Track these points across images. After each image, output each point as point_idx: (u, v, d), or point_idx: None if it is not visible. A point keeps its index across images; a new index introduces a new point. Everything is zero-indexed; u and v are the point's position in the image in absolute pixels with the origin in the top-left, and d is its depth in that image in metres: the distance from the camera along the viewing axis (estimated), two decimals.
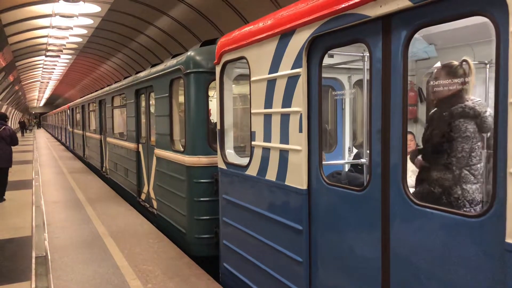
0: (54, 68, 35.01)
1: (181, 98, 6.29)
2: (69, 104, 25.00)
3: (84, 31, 21.77)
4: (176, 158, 6.35)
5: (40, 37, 21.25)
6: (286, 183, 3.51)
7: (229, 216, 4.63)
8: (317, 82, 3.18)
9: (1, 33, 14.58)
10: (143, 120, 8.60)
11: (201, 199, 5.80)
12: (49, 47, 24.33)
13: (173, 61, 6.49)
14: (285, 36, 3.44)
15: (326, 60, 3.21)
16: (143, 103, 8.56)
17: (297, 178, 3.35)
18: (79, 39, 23.78)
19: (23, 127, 47.06)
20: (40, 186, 11.70)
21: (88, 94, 18.08)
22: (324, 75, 3.14)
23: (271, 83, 3.68)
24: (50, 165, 17.60)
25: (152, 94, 7.70)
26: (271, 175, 3.72)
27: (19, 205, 9.38)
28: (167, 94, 6.70)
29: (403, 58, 2.45)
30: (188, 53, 6.06)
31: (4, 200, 9.71)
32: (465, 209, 2.63)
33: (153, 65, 8.13)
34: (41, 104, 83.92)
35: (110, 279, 5.12)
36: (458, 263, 2.12)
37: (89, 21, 19.64)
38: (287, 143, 3.47)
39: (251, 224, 4.14)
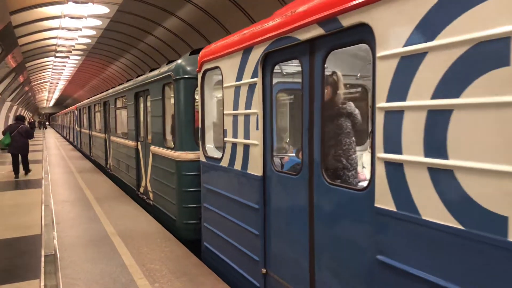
0: (63, 69, 35.30)
1: (172, 101, 7.06)
2: (76, 105, 26.02)
3: (92, 32, 21.93)
4: (167, 154, 7.18)
5: (50, 38, 21.43)
6: (248, 171, 4.33)
7: (208, 202, 5.47)
8: (269, 88, 3.95)
9: (12, 35, 14.75)
10: (141, 120, 9.38)
11: (188, 189, 6.55)
12: (59, 48, 24.53)
13: (165, 68, 7.30)
14: (247, 51, 4.24)
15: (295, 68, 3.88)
16: (141, 105, 9.34)
17: (255, 167, 4.17)
18: (88, 40, 23.94)
19: (32, 127, 47.77)
20: (50, 185, 11.82)
21: (95, 95, 18.67)
22: (297, 80, 3.77)
23: (237, 89, 4.48)
24: (59, 165, 17.77)
25: (149, 97, 8.48)
26: (238, 165, 4.55)
27: (29, 204, 9.49)
28: (160, 97, 7.57)
29: (321, 72, 3.23)
30: (178, 61, 6.91)
31: (30, 170, 13.92)
32: (356, 185, 3.44)
33: (151, 70, 8.86)
34: (51, 104, 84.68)
35: (118, 278, 5.16)
36: (353, 220, 3.00)
37: (97, 22, 19.78)
38: (248, 138, 4.30)
39: (223, 207, 5.00)
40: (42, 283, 4.95)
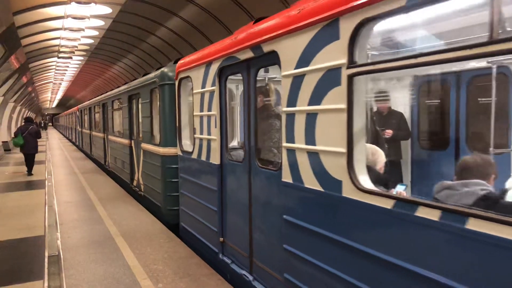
0: (66, 70, 35.32)
1: (158, 103, 7.99)
2: (78, 106, 27.00)
3: (95, 33, 21.93)
4: (154, 150, 8.27)
5: (53, 39, 21.42)
6: (210, 161, 5.39)
7: (184, 188, 6.56)
8: (224, 95, 5.08)
9: (15, 35, 14.78)
10: (134, 120, 10.40)
11: (171, 180, 7.51)
12: (61, 49, 24.53)
13: (153, 74, 8.39)
14: (208, 65, 5.31)
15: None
16: (134, 107, 10.33)
17: (215, 157, 5.21)
18: (91, 41, 23.95)
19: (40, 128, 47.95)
20: (53, 186, 11.84)
21: (96, 97, 19.28)
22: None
23: (202, 95, 5.54)
24: (62, 166, 17.81)
25: (140, 100, 9.51)
26: (204, 156, 5.60)
27: (32, 205, 9.51)
28: (148, 100, 8.62)
29: (254, 84, 4.37)
30: (163, 68, 7.91)
31: (32, 175, 14.26)
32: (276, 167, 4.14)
33: (144, 75, 9.87)
34: (54, 105, 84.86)
35: (121, 279, 5.16)
36: (272, 191, 4.03)
37: (100, 23, 19.77)
38: (210, 135, 5.36)
39: (194, 192, 6.08)
40: (46, 284, 4.96)
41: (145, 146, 9.02)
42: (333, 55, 3.00)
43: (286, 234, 3.73)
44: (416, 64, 2.40)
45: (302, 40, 3.35)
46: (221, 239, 5.21)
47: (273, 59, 3.80)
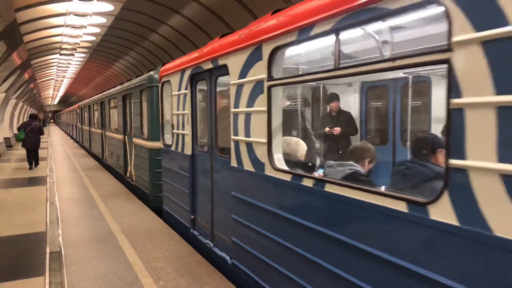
0: (68, 67, 35.34)
1: (146, 103, 9.10)
2: (78, 104, 28.15)
3: (97, 30, 21.92)
4: (143, 143, 9.42)
5: (55, 36, 21.43)
6: (184, 152, 6.43)
7: (165, 176, 7.60)
8: (195, 97, 6.09)
9: (17, 32, 14.78)
10: (127, 117, 11.44)
11: (157, 170, 8.44)
12: (63, 46, 24.53)
13: (142, 77, 9.64)
14: (183, 71, 6.33)
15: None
16: (127, 105, 11.36)
17: (188, 149, 6.25)
18: (93, 38, 23.95)
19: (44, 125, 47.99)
20: (54, 183, 11.86)
21: (95, 95, 20.38)
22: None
23: (178, 96, 6.59)
24: (64, 162, 17.84)
25: (132, 99, 10.60)
26: (179, 148, 6.65)
27: (34, 201, 9.53)
28: (138, 100, 9.74)
29: (215, 90, 5.42)
30: (151, 72, 9.06)
31: (37, 165, 15.30)
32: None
33: (136, 76, 11.05)
34: (56, 102, 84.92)
35: (123, 276, 5.17)
36: (225, 174, 5.04)
37: (102, 20, 19.77)
38: (184, 130, 6.42)
39: (173, 179, 7.14)
40: (47, 280, 4.96)
41: (136, 140, 10.22)
42: (259, 71, 4.06)
43: (233, 207, 4.81)
44: (308, 80, 4.32)
45: (242, 58, 4.40)
46: (192, 216, 6.31)
47: (225, 70, 4.86)
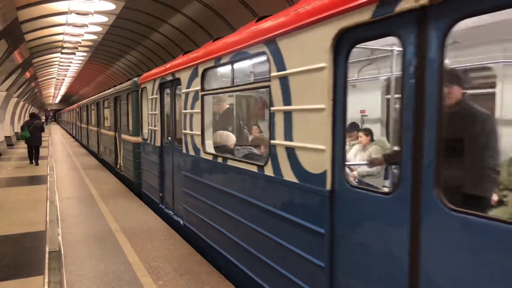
0: (70, 65, 35.31)
1: (131, 104, 10.83)
2: (78, 103, 30.07)
3: (99, 29, 21.90)
4: (128, 138, 11.15)
5: (56, 35, 21.39)
6: (155, 144, 8.19)
7: (144, 165, 9.43)
8: (163, 101, 7.71)
9: (18, 30, 14.76)
10: (118, 117, 12.98)
11: (139, 160, 10.04)
12: (65, 45, 24.50)
13: (129, 82, 11.39)
14: (155, 80, 8.02)
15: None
16: (117, 106, 12.94)
17: (158, 141, 7.99)
18: (94, 37, 23.93)
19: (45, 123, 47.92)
20: (55, 182, 11.85)
21: (93, 95, 21.92)
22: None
23: (152, 100, 8.31)
24: (64, 161, 17.84)
25: (121, 101, 12.26)
26: (152, 141, 8.40)
27: (34, 200, 9.52)
28: (125, 102, 11.50)
29: (174, 96, 7.13)
30: (135, 78, 10.82)
31: (38, 164, 15.87)
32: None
33: (127, 80, 12.68)
34: (57, 101, 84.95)
35: (122, 275, 5.15)
36: (180, 160, 6.70)
37: (104, 19, 19.74)
38: (155, 127, 8.10)
39: (147, 166, 8.98)
40: (46, 279, 4.95)
41: (123, 136, 11.97)
42: (197, 84, 5.74)
43: (184, 182, 6.53)
44: (219, 92, 5.85)
45: (188, 74, 6.09)
46: (161, 194, 8.10)
47: (179, 82, 6.56)
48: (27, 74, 24.26)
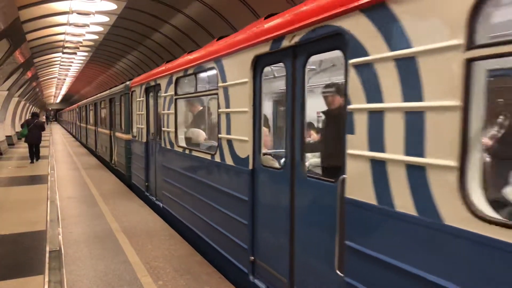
0: (71, 65, 35.33)
1: (124, 105, 12.09)
2: (78, 103, 31.69)
3: (100, 29, 21.91)
4: (121, 136, 12.34)
5: (57, 34, 21.40)
6: (142, 140, 9.36)
7: (133, 159, 10.74)
8: (149, 103, 8.86)
9: (20, 30, 14.77)
10: (112, 116, 14.15)
11: (130, 155, 11.15)
12: (66, 44, 24.51)
13: (121, 85, 12.66)
14: (141, 85, 9.24)
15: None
16: (112, 107, 14.15)
17: (144, 138, 9.14)
18: (95, 37, 23.94)
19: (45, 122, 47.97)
20: (55, 181, 11.85)
21: (95, 95, 22.83)
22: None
23: (139, 102, 9.53)
24: (65, 161, 17.84)
25: (115, 102, 13.47)
26: (140, 138, 9.59)
27: (34, 199, 9.52)
28: (119, 103, 12.72)
29: (156, 98, 8.47)
30: (127, 82, 11.80)
31: (38, 160, 16.77)
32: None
33: (127, 81, 13.05)
34: (58, 100, 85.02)
35: (122, 275, 5.15)
36: (160, 153, 8.14)
37: (105, 19, 19.76)
38: (142, 125, 9.27)
39: (135, 159, 10.37)
40: (46, 279, 4.95)
41: (117, 134, 13.15)
42: (171, 90, 7.00)
43: (163, 172, 7.80)
44: (188, 97, 6.91)
45: (165, 81, 7.42)
46: (146, 183, 9.31)
47: (160, 87, 7.85)
48: (29, 74, 24.28)
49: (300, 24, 3.44)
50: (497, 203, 2.24)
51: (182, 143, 6.78)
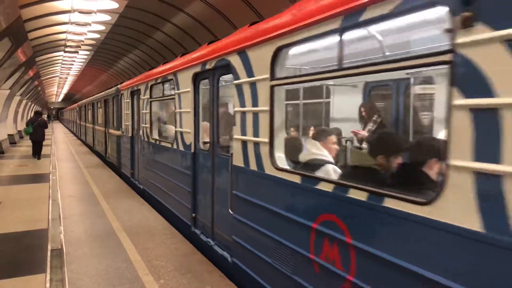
0: (73, 64, 35.36)
1: (115, 105, 13.80)
2: (78, 103, 33.52)
3: (102, 27, 21.93)
4: (114, 132, 14.07)
5: (59, 33, 21.43)
6: (128, 135, 11.29)
7: (122, 151, 12.44)
8: (133, 104, 10.68)
9: (22, 29, 14.79)
10: (107, 115, 15.94)
11: (120, 149, 12.89)
12: (68, 43, 24.54)
13: (113, 88, 14.38)
14: (128, 89, 11.17)
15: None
16: (107, 106, 16.04)
17: (130, 133, 11.06)
18: (97, 35, 23.96)
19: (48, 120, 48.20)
20: (57, 180, 11.87)
21: (90, 97, 25.21)
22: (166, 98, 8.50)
23: (127, 103, 11.40)
24: (67, 160, 17.87)
25: (109, 102, 15.33)
26: (127, 133, 11.43)
27: (36, 198, 9.54)
28: (111, 103, 14.61)
29: (138, 101, 10.01)
30: (118, 86, 13.27)
31: (40, 159, 17.30)
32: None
33: (115, 85, 14.79)
34: (60, 99, 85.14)
35: (123, 274, 5.16)
36: (142, 145, 10.00)
37: (106, 18, 19.77)
38: (129, 123, 11.09)
39: (125, 152, 12.00)
40: (48, 277, 4.96)
41: (110, 130, 15.10)
42: (147, 94, 8.79)
43: (142, 160, 9.78)
44: (162, 100, 8.64)
45: (144, 87, 9.12)
46: (131, 171, 11.07)
47: (140, 92, 9.57)
48: (30, 73, 24.30)
49: (214, 55, 5.25)
50: (294, 162, 4.10)
51: (156, 136, 8.74)
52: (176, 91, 6.75)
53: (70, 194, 10.17)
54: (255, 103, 4.21)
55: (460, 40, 2.13)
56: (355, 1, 2.78)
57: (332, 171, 3.78)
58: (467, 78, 2.10)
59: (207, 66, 5.43)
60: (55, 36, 22.08)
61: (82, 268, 5.36)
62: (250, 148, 4.32)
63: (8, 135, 24.32)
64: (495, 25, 1.97)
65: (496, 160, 2.00)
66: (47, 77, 40.14)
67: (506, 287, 1.97)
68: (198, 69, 5.78)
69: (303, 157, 4.27)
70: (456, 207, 2.17)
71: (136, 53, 28.10)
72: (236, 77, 4.56)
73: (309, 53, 4.20)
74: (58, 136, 35.36)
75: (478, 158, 2.08)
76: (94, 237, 6.69)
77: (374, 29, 3.80)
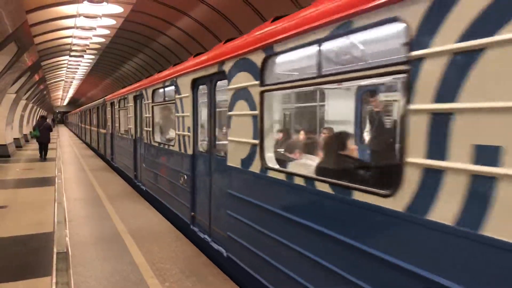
0: (78, 68, 35.55)
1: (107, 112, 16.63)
2: (80, 108, 37.31)
3: (107, 32, 22.06)
4: (102, 131, 17.72)
5: (65, 37, 21.57)
6: (123, 136, 13.03)
7: (117, 150, 14.68)
8: (136, 108, 11.16)
9: (28, 33, 14.91)
10: (100, 119, 19.10)
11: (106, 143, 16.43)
12: (73, 47, 24.69)
13: (102, 99, 17.69)
14: (116, 99, 14.34)
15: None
16: (99, 112, 19.26)
17: (127, 133, 12.29)
18: (102, 40, 24.10)
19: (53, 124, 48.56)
20: (62, 183, 11.93)
21: (90, 103, 28.37)
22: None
23: (117, 111, 14.34)
24: (72, 163, 17.95)
25: (101, 109, 18.48)
26: (129, 136, 12.06)
27: (42, 201, 9.59)
28: (103, 110, 17.59)
29: (135, 105, 11.24)
30: (105, 97, 16.62)
31: (46, 160, 18.88)
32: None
33: (105, 96, 18.15)
34: (65, 103, 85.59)
35: (128, 277, 5.17)
36: (141, 147, 10.66)
37: (111, 22, 19.89)
38: (124, 126, 12.99)
39: (118, 148, 14.38)
40: (54, 280, 4.98)
41: (100, 130, 18.40)
42: (131, 102, 11.53)
43: (141, 160, 10.43)
44: (160, 104, 8.96)
45: (131, 96, 11.37)
46: (135, 173, 11.43)
47: (143, 96, 9.94)
48: (36, 77, 24.46)
49: (210, 62, 5.58)
50: (282, 161, 4.46)
51: (158, 139, 9.02)
52: (176, 96, 7.09)
53: (75, 197, 10.21)
54: (247, 107, 4.51)
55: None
56: (345, 12, 3.16)
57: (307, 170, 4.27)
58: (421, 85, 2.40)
59: (205, 73, 5.87)
60: (61, 41, 22.24)
61: (88, 271, 5.38)
62: (242, 149, 4.65)
63: (14, 139, 24.48)
64: None
65: (442, 157, 2.25)
66: (52, 81, 40.38)
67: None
68: (196, 75, 6.16)
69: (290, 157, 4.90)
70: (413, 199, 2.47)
71: (141, 57, 28.22)
72: (229, 83, 4.91)
73: (288, 63, 4.48)
74: (63, 140, 35.54)
75: (429, 156, 2.31)
76: (99, 239, 6.71)
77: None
